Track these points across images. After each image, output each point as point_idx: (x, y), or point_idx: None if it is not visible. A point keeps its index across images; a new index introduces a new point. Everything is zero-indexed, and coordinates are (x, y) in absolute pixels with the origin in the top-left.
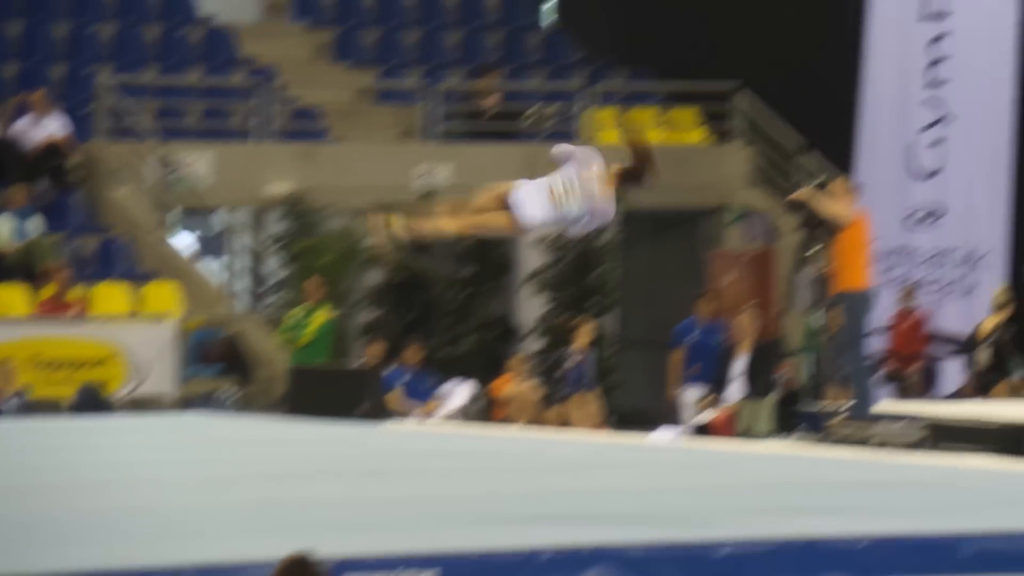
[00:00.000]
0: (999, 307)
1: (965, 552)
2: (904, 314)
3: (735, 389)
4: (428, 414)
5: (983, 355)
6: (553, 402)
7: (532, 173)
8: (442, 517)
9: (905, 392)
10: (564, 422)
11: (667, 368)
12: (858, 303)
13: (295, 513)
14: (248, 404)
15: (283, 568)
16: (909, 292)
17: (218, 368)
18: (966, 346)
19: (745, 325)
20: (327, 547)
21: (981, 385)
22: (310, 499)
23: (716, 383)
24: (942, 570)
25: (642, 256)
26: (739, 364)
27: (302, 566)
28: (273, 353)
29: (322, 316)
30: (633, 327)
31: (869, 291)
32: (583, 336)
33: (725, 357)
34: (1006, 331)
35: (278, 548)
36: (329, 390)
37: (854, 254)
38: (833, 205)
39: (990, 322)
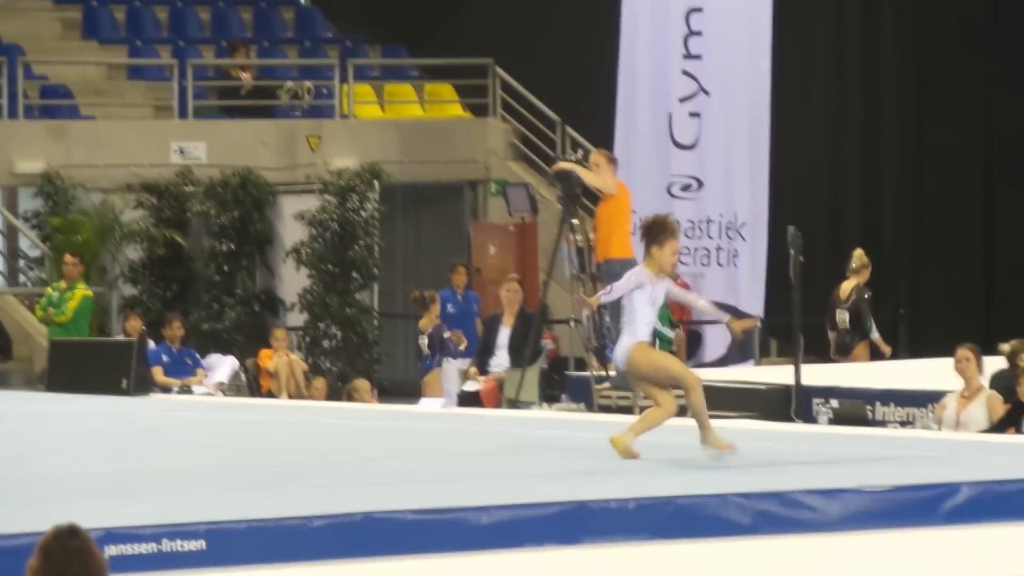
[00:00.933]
0: (856, 271)
1: (731, 511)
2: None
3: (500, 359)
4: (191, 387)
5: (842, 318)
6: (319, 373)
7: (289, 149)
8: (209, 487)
9: None
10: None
11: None
12: (622, 271)
13: (57, 485)
14: (7, 380)
15: (46, 540)
16: None
17: None
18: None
19: (508, 296)
20: (91, 519)
21: (841, 347)
22: (72, 471)
23: (480, 353)
24: (710, 531)
25: (403, 230)
26: (503, 334)
27: (66, 538)
28: (32, 329)
29: (80, 293)
30: (396, 300)
31: (632, 259)
32: (436, 309)
33: (489, 328)
34: (863, 294)
35: (40, 520)
36: (90, 365)
37: (617, 223)
38: (595, 176)
39: (848, 285)
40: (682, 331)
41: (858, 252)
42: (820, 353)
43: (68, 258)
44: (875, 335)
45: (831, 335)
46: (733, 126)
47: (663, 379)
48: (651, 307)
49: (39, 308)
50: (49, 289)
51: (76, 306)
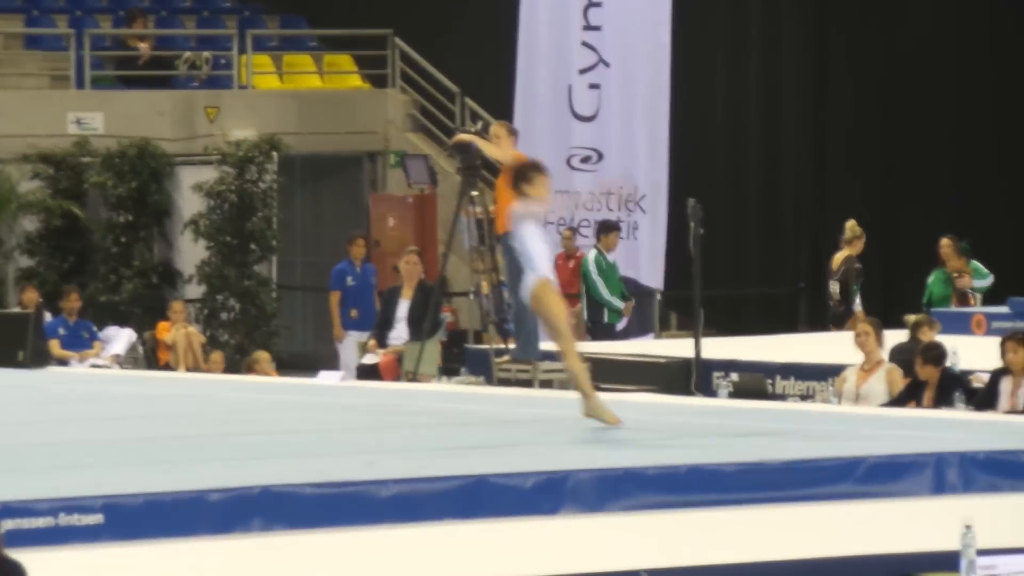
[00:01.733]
0: (848, 241)
1: (632, 486)
2: (567, 255)
3: (399, 331)
4: (89, 360)
5: (832, 289)
6: (217, 346)
7: (187, 120)
8: (106, 461)
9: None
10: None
11: (328, 311)
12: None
13: None
14: None
15: None
16: (571, 234)
17: None
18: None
19: (407, 268)
20: None
21: (835, 318)
22: None
23: (379, 326)
24: (611, 505)
25: (302, 202)
26: (402, 307)
27: None
28: None
29: None
30: (294, 273)
31: None
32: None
33: (387, 300)
34: (852, 265)
35: None
36: None
37: None
38: (495, 148)
39: (839, 256)
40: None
41: (851, 223)
42: (720, 326)
43: None
44: (857, 308)
45: (829, 308)
46: (633, 98)
47: (548, 327)
48: (544, 242)
49: None
50: None
51: None
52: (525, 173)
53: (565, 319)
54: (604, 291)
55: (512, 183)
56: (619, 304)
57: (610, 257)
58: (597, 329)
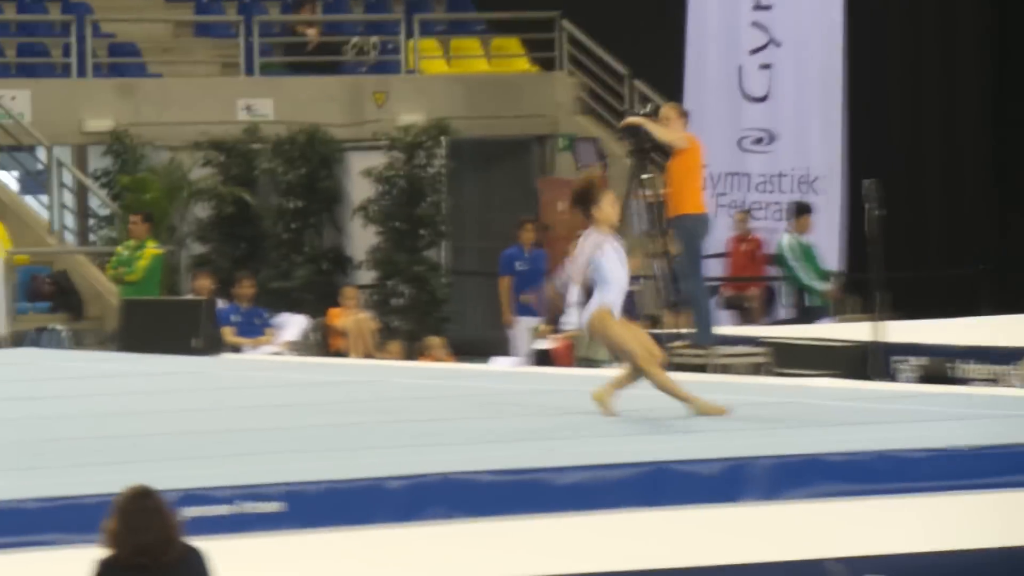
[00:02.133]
0: None
1: (815, 472)
2: (740, 238)
3: (571, 317)
4: (263, 347)
5: None
6: (389, 332)
7: (356, 105)
8: (285, 448)
9: (745, 316)
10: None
11: (499, 297)
12: (694, 227)
13: (132, 446)
14: (80, 339)
15: (122, 501)
16: (744, 216)
17: (48, 304)
18: None
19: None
20: (167, 480)
21: None
22: (146, 432)
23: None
24: (794, 492)
25: (472, 186)
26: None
27: (140, 499)
28: (104, 288)
29: (151, 251)
30: (465, 258)
31: (705, 215)
32: None
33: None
34: None
35: (115, 482)
36: (162, 323)
37: (688, 178)
38: (665, 130)
39: None
40: (758, 289)
41: None
42: (901, 308)
43: (132, 217)
44: None
45: None
46: (805, 77)
47: (619, 354)
48: (622, 265)
49: (110, 267)
50: (119, 248)
51: (147, 265)
52: (591, 195)
53: (631, 340)
54: (804, 274)
55: (579, 208)
56: (822, 286)
57: (805, 239)
58: (801, 313)
